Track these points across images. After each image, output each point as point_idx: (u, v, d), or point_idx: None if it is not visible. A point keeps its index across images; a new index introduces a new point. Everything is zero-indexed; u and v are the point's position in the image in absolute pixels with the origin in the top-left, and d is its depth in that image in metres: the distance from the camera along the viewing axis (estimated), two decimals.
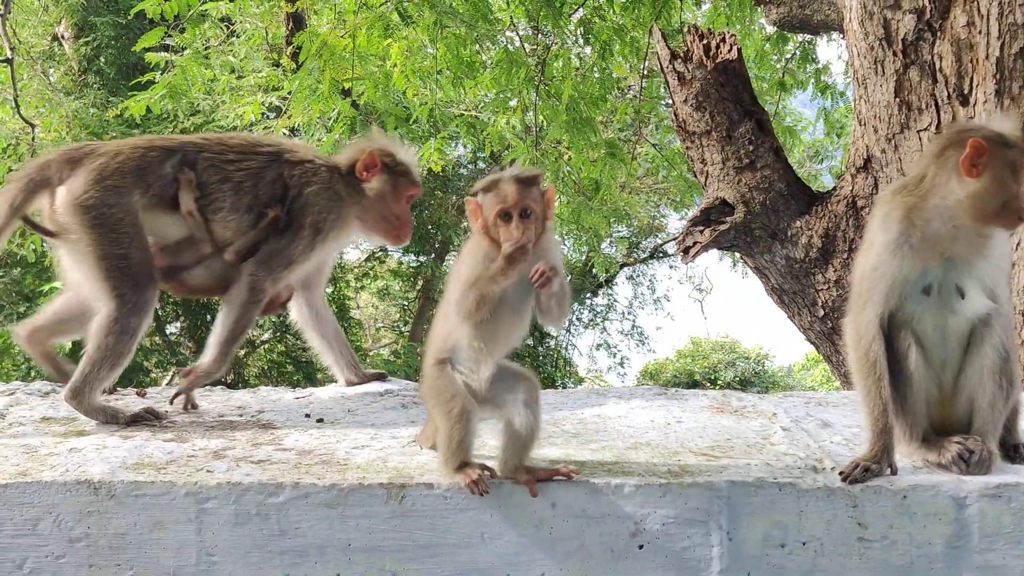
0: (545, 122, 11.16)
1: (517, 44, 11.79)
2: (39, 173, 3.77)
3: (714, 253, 10.99)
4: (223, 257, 3.92)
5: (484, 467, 2.95)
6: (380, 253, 22.68)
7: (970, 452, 3.00)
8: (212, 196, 3.88)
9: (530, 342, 22.82)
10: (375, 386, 4.21)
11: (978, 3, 5.79)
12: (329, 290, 21.72)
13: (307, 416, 3.73)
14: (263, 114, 12.10)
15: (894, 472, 2.97)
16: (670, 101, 7.25)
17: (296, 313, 4.35)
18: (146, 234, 3.81)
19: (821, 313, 6.82)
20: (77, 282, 3.86)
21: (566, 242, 18.60)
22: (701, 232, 6.70)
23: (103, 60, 17.65)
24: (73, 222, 3.70)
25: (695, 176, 7.23)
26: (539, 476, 2.96)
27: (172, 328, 21.41)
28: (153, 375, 20.98)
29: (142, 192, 3.79)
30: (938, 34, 6.07)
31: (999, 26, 5.65)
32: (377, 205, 4.06)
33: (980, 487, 2.89)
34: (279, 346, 21.56)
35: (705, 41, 6.76)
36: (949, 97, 6.01)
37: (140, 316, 3.68)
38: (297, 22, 12.73)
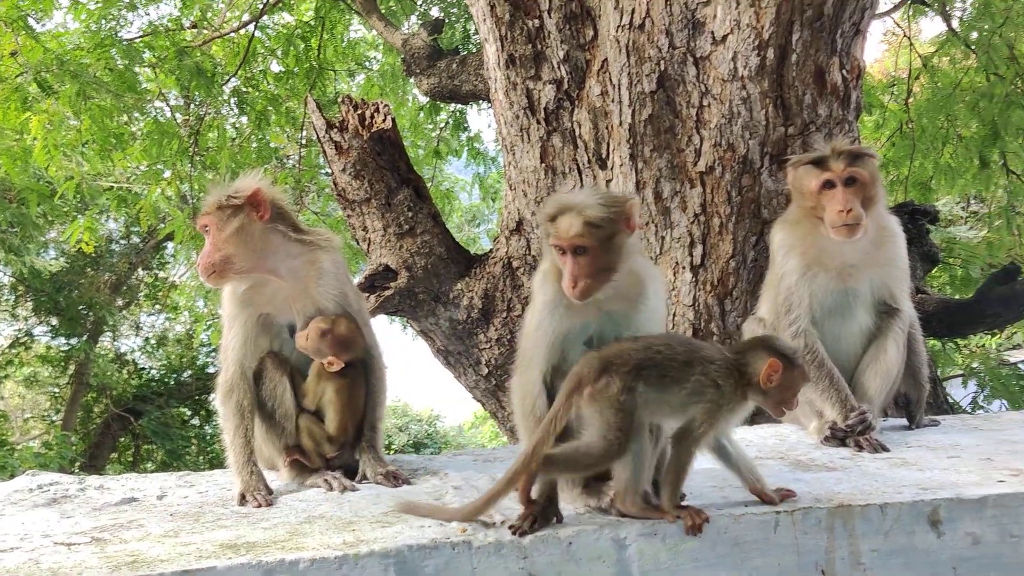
0: (203, 193, 10.89)
1: (168, 115, 11.47)
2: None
3: (383, 318, 11.08)
4: None
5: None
6: (25, 339, 21.12)
7: None
8: None
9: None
10: (24, 481, 3.88)
11: (610, 74, 6.23)
12: None
13: None
14: None
15: (560, 520, 3.08)
16: (329, 170, 7.29)
17: None
18: None
19: (485, 371, 7.04)
20: None
21: None
22: (367, 299, 6.75)
23: None
24: None
25: (358, 243, 7.29)
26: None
27: None
28: None
29: None
30: (576, 103, 6.48)
31: (629, 95, 6.10)
32: None
33: (637, 527, 3.06)
34: None
35: (360, 111, 6.86)
36: (589, 162, 6.43)
37: None
38: None
